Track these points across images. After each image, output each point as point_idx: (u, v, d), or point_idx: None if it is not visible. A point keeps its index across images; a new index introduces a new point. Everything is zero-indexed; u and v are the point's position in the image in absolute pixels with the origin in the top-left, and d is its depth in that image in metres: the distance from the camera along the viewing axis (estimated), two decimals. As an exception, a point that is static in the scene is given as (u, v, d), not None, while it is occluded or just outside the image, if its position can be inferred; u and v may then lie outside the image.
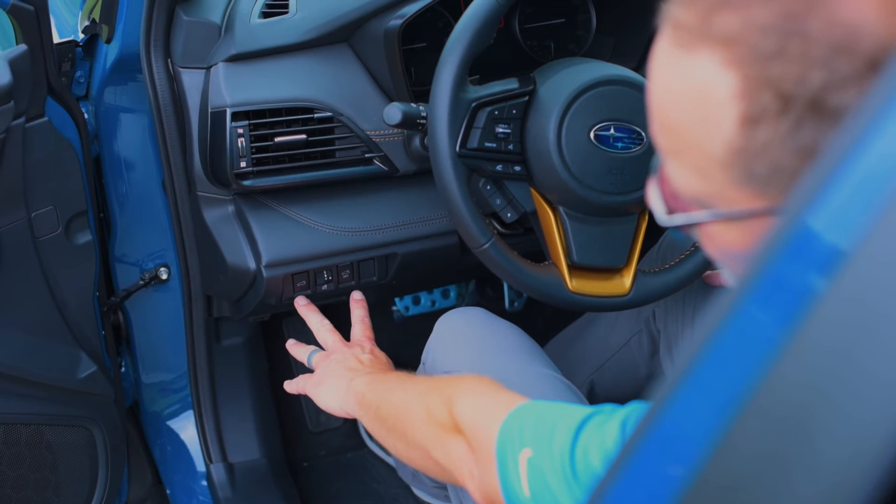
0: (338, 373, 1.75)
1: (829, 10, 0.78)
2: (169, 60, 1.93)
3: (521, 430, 1.24)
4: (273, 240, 1.93)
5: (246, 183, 1.86)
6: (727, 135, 0.82)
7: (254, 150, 1.84)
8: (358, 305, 1.95)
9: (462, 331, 1.82)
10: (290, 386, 1.87)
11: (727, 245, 0.92)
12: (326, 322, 1.92)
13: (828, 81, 0.77)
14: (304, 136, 1.87)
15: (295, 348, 1.93)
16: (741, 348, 0.71)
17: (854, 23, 0.77)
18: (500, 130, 1.69)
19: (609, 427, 1.16)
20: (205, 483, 2.33)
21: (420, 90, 1.92)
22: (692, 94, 0.84)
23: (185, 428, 2.37)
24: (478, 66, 1.74)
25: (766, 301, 0.70)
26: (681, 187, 0.91)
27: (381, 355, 1.81)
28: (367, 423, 1.63)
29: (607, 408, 1.21)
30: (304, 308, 1.96)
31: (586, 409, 1.22)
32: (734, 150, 0.82)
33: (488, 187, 1.75)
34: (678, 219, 0.94)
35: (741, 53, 0.80)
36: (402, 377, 1.63)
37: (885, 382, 0.61)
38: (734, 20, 0.81)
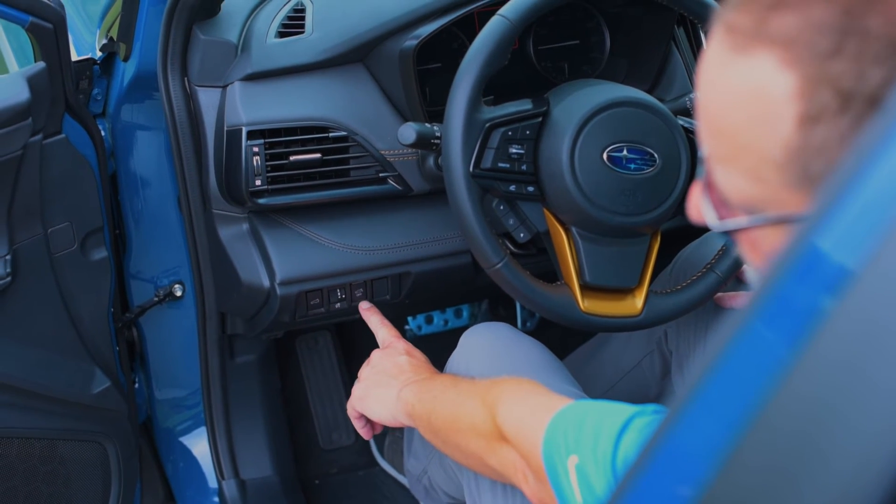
0: (380, 382, 1.75)
1: (887, 8, 0.78)
2: (185, 79, 1.94)
3: (566, 436, 1.24)
4: (287, 258, 1.93)
5: (261, 201, 1.87)
6: (785, 135, 0.82)
7: (269, 169, 1.85)
8: (371, 312, 1.95)
9: (487, 345, 1.82)
10: (350, 412, 1.85)
11: (773, 251, 0.90)
12: (386, 321, 1.92)
13: (887, 78, 0.78)
14: (318, 155, 1.88)
15: None
16: (750, 366, 0.72)
17: None
18: (514, 151, 1.70)
19: (650, 429, 1.16)
20: (216, 499, 2.33)
21: (434, 110, 1.93)
22: (749, 95, 0.84)
23: (198, 444, 2.38)
24: (492, 87, 1.75)
25: (775, 320, 0.70)
26: (730, 193, 0.91)
27: (419, 354, 1.81)
28: (423, 433, 1.64)
29: (650, 408, 1.21)
30: (366, 311, 1.96)
31: (628, 410, 1.21)
32: (792, 150, 0.82)
33: (501, 207, 1.76)
34: (730, 224, 0.93)
35: (799, 53, 0.80)
36: (446, 384, 1.63)
37: (893, 396, 0.62)
38: (791, 20, 0.81)
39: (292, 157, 1.86)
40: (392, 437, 2.55)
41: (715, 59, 0.88)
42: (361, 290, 1.98)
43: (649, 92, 1.81)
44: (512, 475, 1.40)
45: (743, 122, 0.85)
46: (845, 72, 0.79)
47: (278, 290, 1.93)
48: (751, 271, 1.87)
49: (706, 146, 0.92)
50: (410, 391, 1.66)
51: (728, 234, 0.96)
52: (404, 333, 2.71)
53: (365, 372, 1.80)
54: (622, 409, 1.22)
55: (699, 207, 0.97)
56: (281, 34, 1.95)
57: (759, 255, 0.94)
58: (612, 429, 1.19)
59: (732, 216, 0.92)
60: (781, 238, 0.88)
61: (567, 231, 1.74)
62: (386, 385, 1.73)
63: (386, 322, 1.91)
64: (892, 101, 0.68)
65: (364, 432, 1.84)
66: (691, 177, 1.74)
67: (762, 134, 0.84)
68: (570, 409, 1.30)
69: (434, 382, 1.66)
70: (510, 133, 1.70)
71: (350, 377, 2.68)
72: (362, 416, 1.81)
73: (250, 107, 1.88)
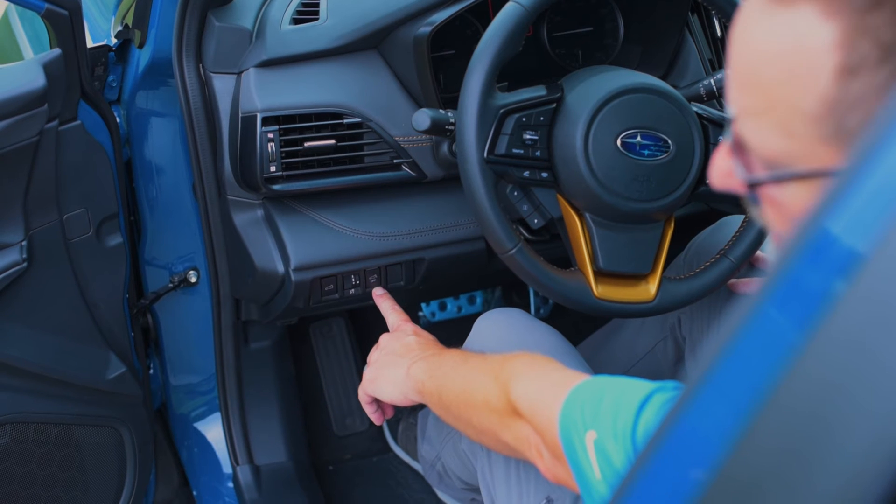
0: (389, 362, 1.76)
1: None
2: (200, 65, 1.95)
3: (583, 411, 1.24)
4: (302, 244, 1.94)
5: (275, 187, 1.87)
6: (823, 87, 0.82)
7: (283, 155, 1.86)
8: (383, 298, 1.95)
9: (502, 330, 1.82)
10: (361, 397, 1.85)
11: (798, 210, 0.90)
12: (397, 306, 1.93)
13: None
14: (333, 142, 1.89)
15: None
16: (761, 349, 0.72)
17: None
18: (528, 137, 1.70)
19: (670, 405, 1.16)
20: (231, 485, 2.34)
21: (448, 97, 1.93)
22: (788, 47, 0.84)
23: (212, 430, 2.39)
24: (506, 74, 1.76)
25: (786, 303, 0.71)
26: (761, 148, 0.90)
27: (426, 334, 1.81)
28: (433, 409, 1.64)
29: (670, 384, 1.21)
30: (379, 297, 1.97)
31: (648, 386, 1.21)
32: (828, 102, 0.82)
33: (515, 193, 1.76)
34: (759, 177, 0.92)
35: (840, 4, 0.80)
36: (456, 359, 1.63)
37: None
38: None
39: (307, 144, 1.87)
40: (406, 424, 2.56)
41: (754, 14, 0.88)
42: (375, 276, 1.99)
43: (663, 78, 1.81)
44: (526, 450, 1.40)
45: (781, 74, 0.85)
46: (886, 23, 0.79)
47: (293, 276, 1.93)
48: (766, 253, 1.87)
49: (737, 102, 0.91)
50: (419, 368, 1.67)
51: (754, 194, 0.95)
52: (418, 320, 2.72)
53: (374, 355, 1.81)
54: (641, 385, 1.22)
55: (723, 170, 0.97)
56: (295, 21, 1.95)
57: (783, 217, 0.92)
58: (631, 404, 1.19)
59: (761, 172, 0.92)
60: (809, 197, 0.87)
61: (581, 217, 1.74)
62: (395, 365, 1.73)
63: (397, 307, 1.92)
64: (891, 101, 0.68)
65: (375, 417, 1.84)
66: (705, 163, 1.74)
67: (799, 86, 0.83)
68: (588, 385, 1.29)
69: (444, 358, 1.66)
70: (524, 119, 1.70)
71: (364, 363, 2.68)
72: (374, 401, 1.82)
73: (265, 93, 1.88)
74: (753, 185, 0.93)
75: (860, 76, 0.80)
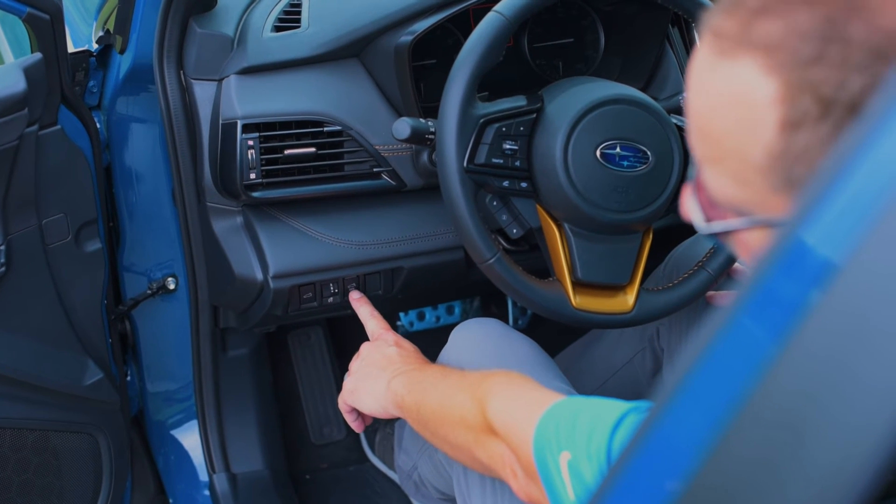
0: (370, 374, 1.75)
1: (870, 16, 0.79)
2: (181, 72, 1.95)
3: (557, 432, 1.24)
4: (281, 251, 1.94)
5: (255, 194, 1.87)
6: (767, 139, 0.83)
7: (263, 162, 1.86)
8: (361, 303, 1.95)
9: (478, 341, 1.82)
10: (340, 405, 1.85)
11: (759, 248, 0.92)
12: (376, 312, 1.92)
13: (868, 86, 0.79)
14: (313, 150, 1.89)
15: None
16: (735, 359, 0.72)
17: (894, 29, 0.79)
18: (508, 147, 1.71)
19: None
20: (207, 493, 2.33)
21: (429, 106, 1.93)
22: (733, 99, 0.86)
23: (189, 437, 2.38)
24: (486, 84, 1.76)
25: (760, 313, 0.71)
26: (719, 195, 0.92)
27: (408, 345, 1.81)
28: (412, 424, 1.64)
29: (644, 404, 1.20)
30: (356, 301, 1.96)
31: (623, 406, 1.21)
32: (774, 154, 0.84)
33: (495, 203, 1.76)
34: (716, 226, 0.95)
35: (782, 59, 0.82)
36: (436, 375, 1.62)
37: (875, 389, 0.62)
38: (775, 27, 0.83)
39: (287, 151, 1.87)
40: (383, 433, 2.55)
41: (702, 63, 0.90)
42: (354, 284, 1.99)
43: (643, 90, 1.82)
44: (500, 469, 1.40)
45: (728, 126, 0.87)
46: (826, 79, 0.80)
47: (271, 284, 1.93)
48: (742, 268, 1.88)
49: (696, 149, 0.93)
50: (399, 382, 1.67)
51: (715, 235, 0.97)
52: (396, 329, 2.72)
53: (355, 365, 1.81)
54: (616, 406, 1.22)
55: (692, 208, 0.99)
56: (277, 28, 1.95)
57: (748, 253, 0.95)
58: (605, 425, 1.19)
59: (721, 217, 0.94)
60: (767, 239, 0.88)
61: (560, 227, 1.74)
62: (375, 377, 1.73)
63: (375, 313, 1.91)
64: (877, 95, 0.69)
65: (355, 426, 1.84)
66: (684, 175, 1.75)
67: (746, 138, 0.85)
68: (563, 405, 1.29)
69: (424, 373, 1.66)
70: (504, 129, 1.70)
71: (342, 372, 2.69)
72: (353, 410, 1.81)
73: (246, 100, 1.88)
74: (711, 221, 0.95)
75: (803, 130, 0.81)
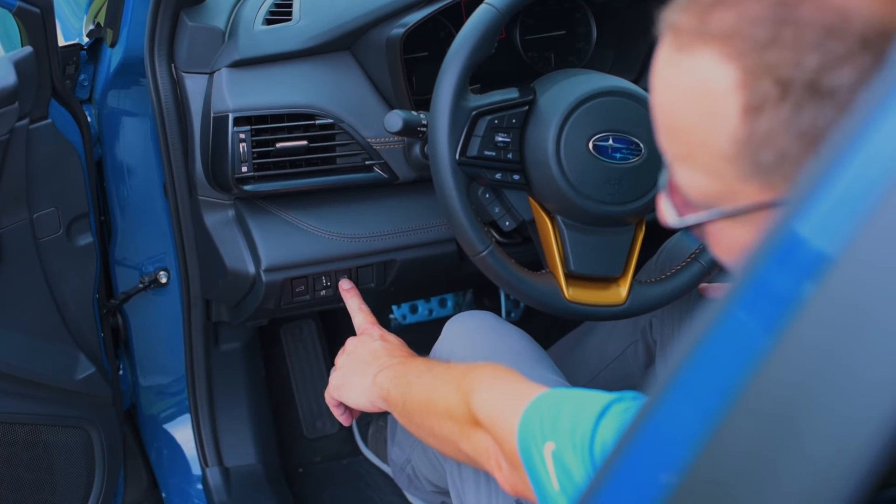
0: (356, 369, 1.75)
1: None
2: (172, 65, 1.94)
3: (542, 423, 1.24)
4: (273, 244, 1.93)
5: (247, 188, 1.87)
6: (731, 127, 0.85)
7: (255, 156, 1.85)
8: (351, 294, 1.95)
9: (471, 334, 1.82)
10: (327, 400, 1.84)
11: (735, 243, 0.94)
12: (364, 305, 1.92)
13: (823, 63, 0.81)
14: (305, 143, 1.88)
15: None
16: (729, 352, 0.72)
17: (843, 5, 0.81)
18: (500, 139, 1.70)
19: (629, 415, 1.16)
20: (200, 487, 2.33)
21: (421, 99, 1.93)
22: (695, 92, 0.88)
23: (182, 431, 2.38)
24: (479, 76, 1.76)
25: (754, 306, 0.71)
26: (690, 191, 0.94)
27: (393, 338, 1.80)
28: (397, 417, 1.64)
29: (629, 394, 1.21)
30: (346, 292, 1.96)
31: (607, 397, 1.21)
32: (739, 141, 0.85)
33: (487, 195, 1.77)
34: (689, 219, 0.96)
35: (738, 46, 0.84)
36: (420, 368, 1.62)
37: (869, 382, 0.62)
38: (729, 16, 0.85)
39: (279, 144, 1.87)
40: (376, 427, 2.55)
41: (663, 61, 0.92)
42: (346, 277, 1.99)
43: (635, 82, 1.82)
44: (485, 461, 1.40)
45: (693, 119, 0.89)
46: (782, 60, 0.82)
47: (263, 277, 1.93)
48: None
49: (665, 148, 0.94)
50: (385, 376, 1.67)
51: (691, 231, 0.98)
52: (389, 322, 2.72)
53: (341, 360, 1.81)
54: (600, 396, 1.22)
55: (669, 211, 1.00)
56: (268, 21, 1.95)
57: (724, 249, 0.97)
58: (589, 414, 1.19)
59: (695, 212, 0.95)
60: (743, 232, 0.91)
61: (552, 220, 1.74)
62: (361, 372, 1.73)
63: (364, 307, 1.91)
64: (868, 89, 0.69)
65: (343, 419, 1.84)
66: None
67: (711, 129, 0.87)
68: (547, 396, 1.29)
69: (409, 366, 1.66)
70: (496, 121, 1.70)
71: (334, 366, 2.68)
72: (341, 404, 1.81)
73: (237, 93, 1.88)
74: (685, 217, 0.97)
75: (765, 113, 0.83)
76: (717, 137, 0.87)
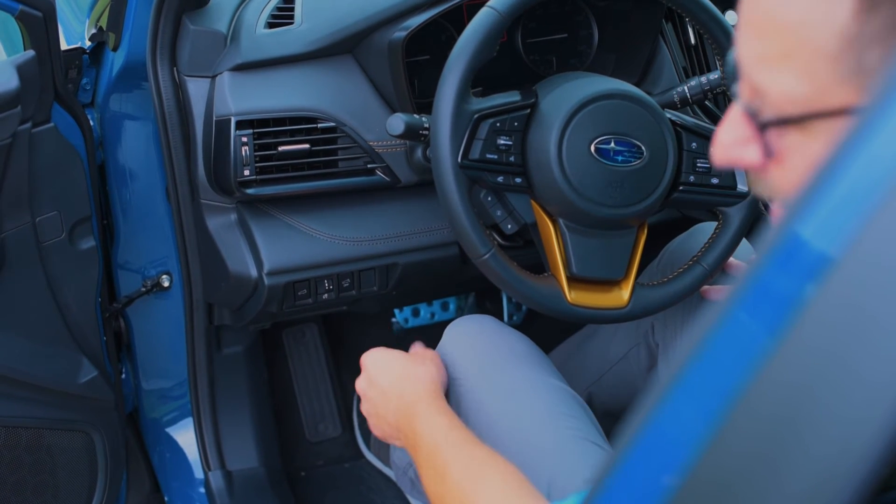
0: (381, 412, 1.69)
1: None
2: (175, 69, 1.94)
3: None
4: (275, 248, 1.94)
5: (249, 191, 1.87)
6: (842, 23, 0.80)
7: (257, 159, 1.85)
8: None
9: (472, 338, 1.81)
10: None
11: (803, 163, 0.88)
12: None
13: None
14: (307, 146, 1.88)
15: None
16: (731, 353, 0.72)
17: None
18: (502, 142, 1.70)
19: None
20: (203, 490, 2.33)
21: (423, 102, 1.93)
22: None
23: (184, 435, 2.38)
24: (480, 79, 1.76)
25: (756, 307, 0.71)
26: (779, 94, 0.87)
27: (427, 375, 1.70)
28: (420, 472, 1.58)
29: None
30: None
31: None
32: (848, 39, 0.81)
33: (489, 198, 1.77)
34: (786, 113, 0.88)
35: None
36: (432, 453, 1.54)
37: (871, 383, 0.62)
38: None
39: (281, 148, 1.87)
40: (378, 430, 2.55)
41: None
42: (349, 280, 1.99)
43: (637, 85, 1.82)
44: None
45: (799, 15, 0.83)
46: None
47: (266, 281, 1.93)
48: (738, 260, 1.88)
49: (752, 50, 0.88)
50: (411, 442, 1.60)
51: (764, 149, 0.92)
52: (391, 326, 2.72)
53: (362, 385, 1.74)
54: None
55: (728, 140, 0.94)
56: (270, 25, 1.95)
57: (793, 172, 0.90)
58: None
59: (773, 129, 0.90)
60: (812, 148, 0.86)
61: (554, 223, 1.74)
62: (395, 421, 1.66)
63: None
64: (872, 100, 0.69)
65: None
66: (678, 169, 1.75)
67: (818, 25, 0.82)
68: None
69: (420, 449, 1.58)
70: (498, 124, 1.70)
71: (337, 369, 2.69)
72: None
73: (239, 97, 1.88)
74: (767, 126, 0.90)
75: (881, 10, 0.79)
76: (822, 34, 0.82)
